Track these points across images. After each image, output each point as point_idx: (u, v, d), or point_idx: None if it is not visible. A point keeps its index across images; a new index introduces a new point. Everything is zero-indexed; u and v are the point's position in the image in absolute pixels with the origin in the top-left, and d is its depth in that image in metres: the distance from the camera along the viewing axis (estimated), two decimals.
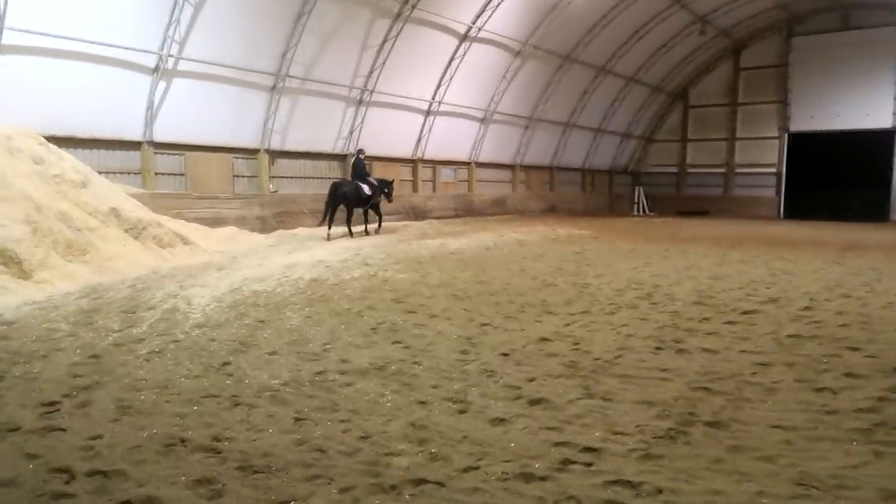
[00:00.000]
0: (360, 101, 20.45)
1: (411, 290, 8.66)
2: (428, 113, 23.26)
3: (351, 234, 16.70)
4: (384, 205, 18.73)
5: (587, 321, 6.88)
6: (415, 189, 23.66)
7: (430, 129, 23.50)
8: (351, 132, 20.63)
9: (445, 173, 25.35)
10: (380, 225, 17.94)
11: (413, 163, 23.65)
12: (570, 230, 19.55)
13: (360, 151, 17.85)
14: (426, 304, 7.78)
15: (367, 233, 17.45)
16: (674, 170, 36.06)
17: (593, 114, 31.23)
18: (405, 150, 23.24)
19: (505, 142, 27.66)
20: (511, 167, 28.75)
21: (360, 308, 7.51)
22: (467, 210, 25.81)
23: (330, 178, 20.62)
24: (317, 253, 12.79)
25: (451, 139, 24.71)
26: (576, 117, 30.37)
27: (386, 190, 17.94)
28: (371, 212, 17.79)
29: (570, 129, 30.59)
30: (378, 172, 21.68)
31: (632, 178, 37.05)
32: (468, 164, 26.30)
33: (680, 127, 35.78)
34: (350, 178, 17.39)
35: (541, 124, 28.74)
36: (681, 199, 35.22)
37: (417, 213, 23.05)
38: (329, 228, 16.20)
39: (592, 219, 27.43)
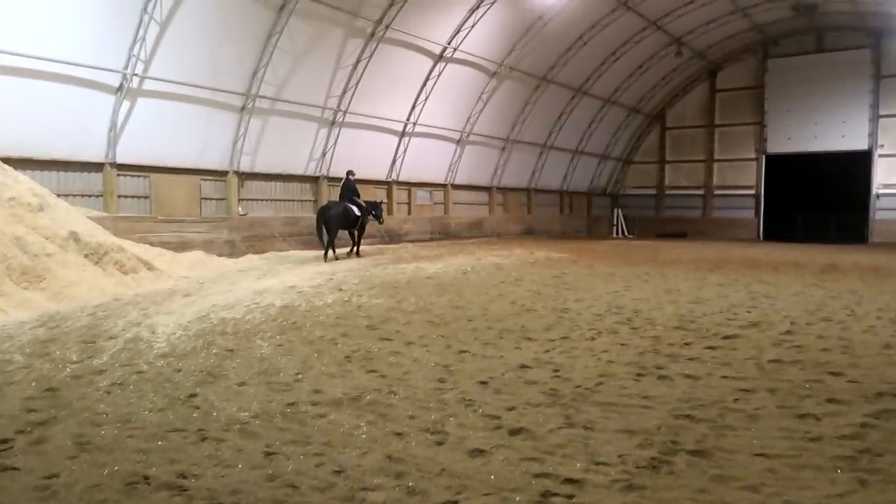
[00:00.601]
0: (333, 122, 20.51)
1: (386, 317, 8.62)
2: (403, 134, 23.40)
3: (334, 254, 16.99)
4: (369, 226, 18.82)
5: (567, 347, 6.91)
6: (390, 212, 23.68)
7: (405, 151, 23.62)
8: (324, 154, 20.65)
9: (421, 196, 25.45)
10: (358, 247, 18.14)
11: (388, 185, 23.71)
12: (548, 253, 19.68)
13: (349, 173, 18.19)
14: (402, 330, 7.75)
15: (349, 254, 17.70)
16: (652, 191, 36.67)
17: (571, 135, 31.70)
18: (380, 172, 23.30)
19: (482, 163, 27.90)
20: (488, 189, 28.97)
21: (334, 335, 7.45)
22: (444, 233, 25.89)
23: (302, 201, 20.61)
24: (288, 278, 12.70)
25: (427, 161, 24.86)
26: (553, 139, 30.79)
27: (374, 212, 18.28)
28: (355, 233, 18.03)
29: (547, 151, 30.98)
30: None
31: (610, 200, 37.55)
32: (444, 186, 26.44)
33: (658, 148, 36.47)
34: (339, 200, 17.74)
35: (518, 146, 29.07)
36: (660, 220, 35.75)
37: (392, 237, 23.06)
38: (327, 251, 16.51)
39: (571, 241, 27.67)
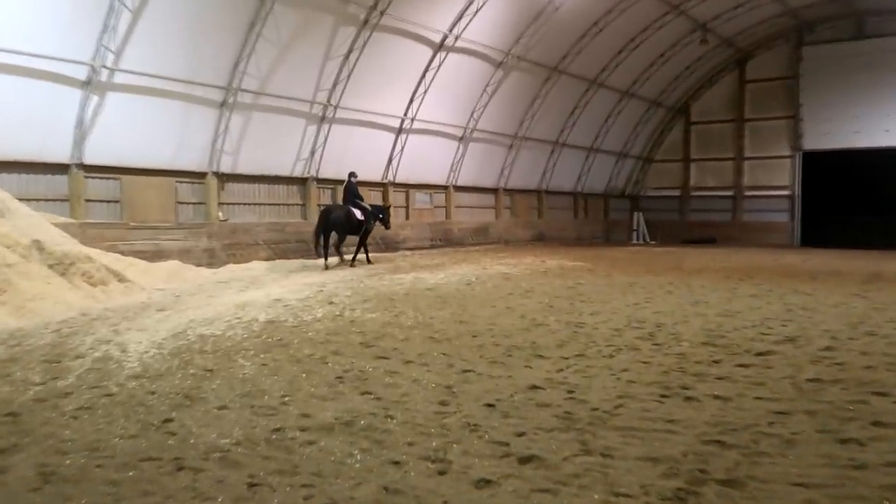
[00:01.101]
0: (323, 118, 20.59)
1: (382, 333, 8.64)
2: (400, 131, 23.48)
3: (342, 259, 17.80)
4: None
5: (583, 366, 6.91)
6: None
7: (402, 149, 23.69)
8: (312, 153, 20.72)
9: (420, 198, 25.51)
10: (367, 254, 18.85)
11: (383, 186, 23.77)
12: (561, 261, 19.69)
13: (351, 175, 18.66)
14: (399, 348, 7.76)
15: (352, 262, 18.24)
16: (676, 193, 36.72)
17: (585, 131, 31.78)
18: (374, 173, 23.37)
19: (487, 163, 27.97)
20: (494, 191, 29.03)
21: (324, 354, 7.46)
22: (445, 240, 25.93)
23: (288, 205, 20.66)
24: (273, 290, 12.73)
25: (426, 160, 24.93)
26: (566, 135, 30.88)
27: (381, 216, 18.95)
28: (358, 239, 18.55)
29: (559, 149, 31.05)
30: (341, 197, 21.76)
31: (630, 203, 37.59)
32: (445, 187, 26.50)
33: (682, 145, 36.54)
34: (342, 203, 18.26)
35: (527, 143, 29.14)
36: (684, 225, 35.79)
37: (388, 244, 23.10)
38: (326, 258, 17.16)
39: (586, 248, 27.69)
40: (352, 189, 18.51)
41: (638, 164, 37.10)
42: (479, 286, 13.67)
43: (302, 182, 20.90)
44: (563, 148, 31.20)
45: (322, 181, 21.34)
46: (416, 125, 23.81)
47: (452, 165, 26.35)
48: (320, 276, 15.30)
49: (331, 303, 11.15)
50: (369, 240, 19.21)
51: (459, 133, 26.01)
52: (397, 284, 13.80)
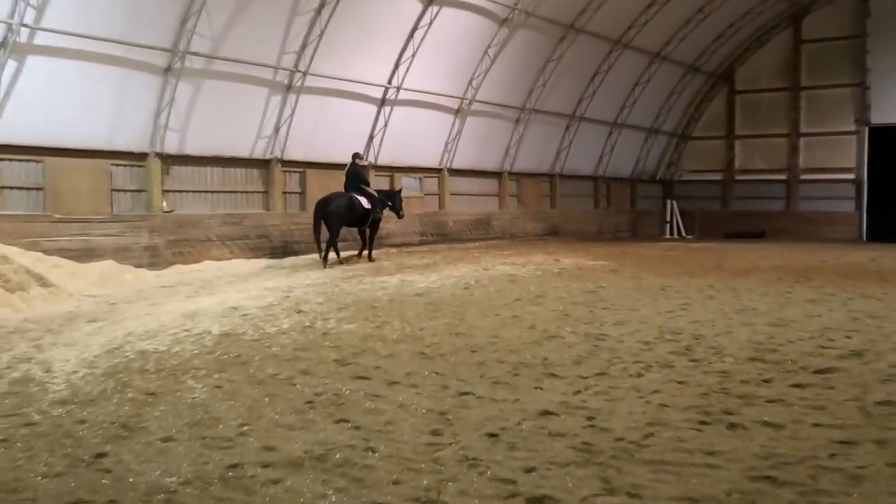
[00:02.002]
0: (290, 87, 20.56)
1: (362, 347, 8.63)
2: (383, 102, 23.47)
3: (339, 258, 18.33)
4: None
5: (605, 387, 6.92)
6: None
7: (385, 125, 23.68)
8: (277, 129, 20.70)
9: (407, 184, 25.48)
10: (370, 250, 19.58)
11: (363, 170, 23.72)
12: (579, 260, 19.71)
13: (356, 156, 19.30)
14: (383, 366, 7.76)
15: (359, 256, 19.27)
16: (717, 177, 36.82)
17: (608, 103, 31.83)
18: (347, 154, 23.31)
19: (489, 141, 27.99)
20: (497, 175, 29.06)
21: (291, 373, 7.45)
22: (438, 234, 25.93)
23: (248, 193, 20.64)
24: (230, 297, 12.71)
25: (416, 137, 24.93)
26: (584, 108, 30.94)
27: (391, 203, 19.63)
28: (368, 231, 19.25)
29: (576, 124, 31.10)
30: (314, 182, 21.78)
31: (662, 189, 37.68)
32: (438, 171, 26.51)
33: (724, 119, 36.65)
34: (344, 190, 18.75)
35: (537, 117, 29.17)
36: (728, 216, 35.90)
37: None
38: (325, 254, 17.76)
39: (609, 244, 27.73)
40: (357, 173, 18.99)
41: (671, 143, 37.17)
42: (480, 291, 13.67)
43: (264, 165, 20.87)
44: (581, 123, 31.24)
45: (289, 164, 21.31)
46: (402, 95, 23.79)
47: (447, 144, 26.35)
48: (287, 279, 15.29)
49: (299, 311, 11.14)
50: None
51: (455, 105, 26.01)
52: (380, 289, 13.79)
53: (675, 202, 35.69)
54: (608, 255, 21.74)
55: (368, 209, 18.64)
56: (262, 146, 20.73)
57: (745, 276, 16.21)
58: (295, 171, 21.77)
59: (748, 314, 10.93)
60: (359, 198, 18.50)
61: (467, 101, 26.13)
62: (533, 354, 8.23)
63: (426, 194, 26.29)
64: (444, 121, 25.97)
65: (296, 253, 20.37)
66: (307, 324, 10.14)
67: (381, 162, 24.10)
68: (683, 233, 34.75)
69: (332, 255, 18.04)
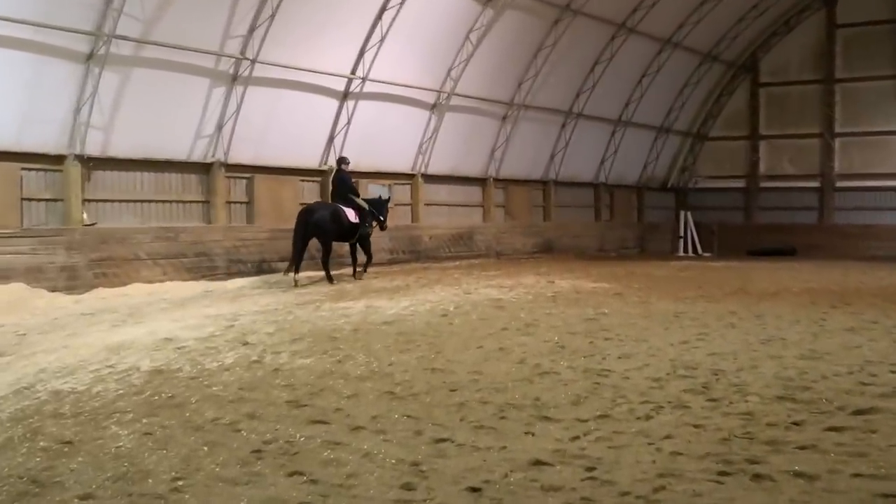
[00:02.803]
0: (235, 78, 20.55)
1: (320, 386, 8.60)
2: (346, 96, 23.50)
3: (330, 279, 19.03)
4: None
5: (608, 431, 6.91)
6: None
7: (348, 122, 23.70)
8: (220, 127, 20.67)
9: (375, 192, 25.49)
10: (367, 265, 20.39)
11: (321, 175, 23.77)
12: (577, 282, 19.75)
13: (342, 161, 19.79)
14: (344, 407, 7.73)
15: (354, 275, 19.92)
16: (739, 184, 37.12)
17: (611, 97, 32.07)
18: (308, 156, 23.41)
19: (471, 142, 28.10)
20: (481, 182, 29.15)
21: (236, 417, 7.40)
22: (411, 251, 25.92)
23: (185, 203, 20.56)
24: (163, 326, 12.64)
25: (384, 137, 24.98)
26: (583, 103, 31.15)
27: (381, 216, 20.35)
28: (360, 246, 19.95)
29: (573, 121, 31.29)
30: (264, 190, 21.73)
31: (674, 198, 37.95)
32: (411, 176, 26.57)
33: (747, 116, 36.98)
34: (331, 200, 19.41)
35: (528, 114, 29.32)
36: (751, 230, 36.16)
37: (331, 257, 23.00)
38: (295, 272, 18.46)
39: (613, 263, 27.80)
40: (344, 181, 19.50)
41: (685, 143, 37.47)
42: (460, 319, 13.66)
43: (205, 169, 20.81)
44: (580, 120, 31.43)
45: (234, 168, 21.26)
46: (368, 88, 23.86)
47: (421, 146, 26.42)
48: (231, 306, 15.21)
49: (245, 344, 11.08)
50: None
51: (431, 99, 26.10)
52: (341, 316, 13.75)
53: (689, 213, 35.81)
54: (611, 276, 21.81)
55: (355, 223, 19.11)
56: (203, 147, 20.68)
57: (772, 301, 16.30)
58: (241, 177, 21.72)
59: (776, 345, 10.98)
60: (345, 209, 18.94)
61: (445, 95, 26.22)
62: (522, 393, 8.22)
63: (396, 204, 26.27)
64: (417, 118, 26.04)
65: (242, 274, 20.33)
66: (255, 358, 10.09)
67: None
68: (700, 249, 34.90)
69: (296, 273, 18.58)
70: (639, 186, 36.25)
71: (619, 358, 10.08)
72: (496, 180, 29.47)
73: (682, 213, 36.05)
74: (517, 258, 28.96)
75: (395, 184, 26.12)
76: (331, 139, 23.58)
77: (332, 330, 12.30)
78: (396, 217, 26.13)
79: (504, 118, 28.70)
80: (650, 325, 12.81)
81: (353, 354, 10.32)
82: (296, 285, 18.03)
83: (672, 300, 16.29)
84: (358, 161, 24.41)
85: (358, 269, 20.20)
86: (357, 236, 19.68)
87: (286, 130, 22.10)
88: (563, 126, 31.07)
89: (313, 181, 23.52)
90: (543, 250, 30.84)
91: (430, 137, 26.46)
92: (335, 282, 19.02)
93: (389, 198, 22.06)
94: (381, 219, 20.63)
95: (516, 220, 30.50)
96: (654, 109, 34.34)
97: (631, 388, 8.44)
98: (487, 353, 10.41)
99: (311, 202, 20.24)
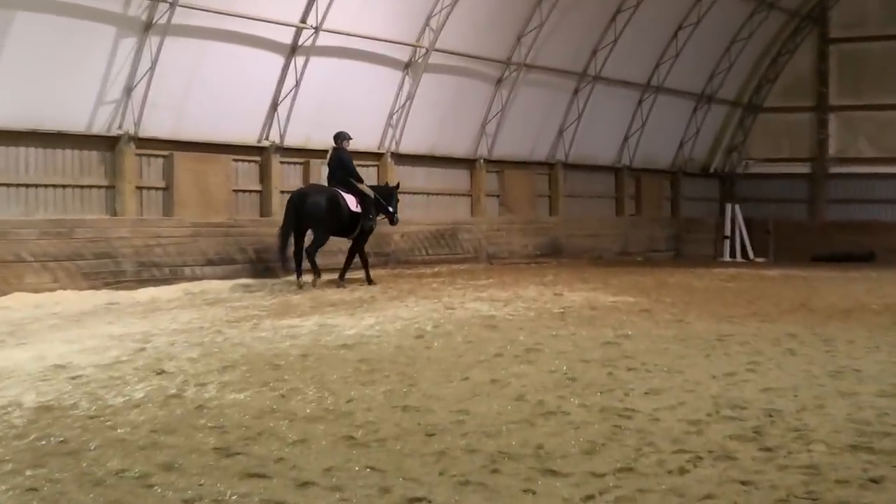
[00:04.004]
0: (150, 26, 20.47)
1: (258, 429, 8.56)
2: (294, 51, 23.46)
3: (317, 274, 19.79)
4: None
5: (630, 489, 6.91)
6: (265, 209, 23.60)
7: (297, 85, 23.64)
8: (129, 89, 20.59)
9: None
10: (366, 270, 20.99)
11: (261, 153, 23.75)
12: (592, 295, 19.78)
13: (342, 137, 20.42)
14: (289, 457, 7.70)
15: (341, 280, 20.48)
16: (803, 169, 37.17)
17: (637, 55, 32.11)
18: (244, 129, 23.38)
19: (456, 112, 28.10)
20: (469, 164, 29.15)
21: (147, 469, 7.36)
22: (377, 253, 25.79)
23: (82, 188, 20.45)
24: (53, 348, 12.56)
25: (343, 105, 24.95)
26: (600, 63, 31.14)
27: (388, 205, 21.04)
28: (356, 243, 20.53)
29: (589, 87, 31.30)
30: (185, 172, 21.61)
31: (718, 187, 38.00)
32: (378, 156, 26.60)
33: (813, 81, 37.04)
34: (327, 185, 19.98)
35: (530, 76, 29.33)
36: (817, 228, 36.23)
37: (271, 259, 22.95)
38: (299, 273, 19.28)
39: (639, 271, 27.80)
40: (343, 162, 20.05)
41: (733, 116, 37.57)
42: (440, 341, 13.64)
43: (108, 144, 20.72)
44: (597, 85, 31.46)
45: (148, 143, 21.17)
46: (323, 41, 23.85)
47: (391, 116, 26.41)
48: (143, 323, 15.13)
49: (161, 372, 11.03)
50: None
51: (405, 56, 26.11)
52: (287, 338, 13.72)
53: (738, 207, 35.94)
54: (637, 288, 21.83)
55: (357, 212, 19.61)
56: (106, 116, 20.60)
57: (843, 321, 16.33)
58: (157, 156, 21.65)
59: (848, 379, 11.00)
60: (345, 195, 19.43)
61: (423, 52, 26.22)
62: (521, 440, 8.20)
63: None
64: (387, 81, 26.03)
65: (157, 282, 20.27)
66: (173, 392, 10.03)
67: (290, 142, 24.07)
68: (751, 253, 35.03)
69: (300, 276, 19.42)
70: (673, 171, 36.30)
71: (646, 394, 10.08)
72: (488, 162, 29.45)
73: (728, 207, 36.19)
74: (515, 263, 28.95)
75: (358, 164, 26.04)
76: (274, 107, 23.52)
77: (273, 355, 12.25)
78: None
79: (499, 82, 28.69)
80: (686, 352, 12.82)
81: (302, 387, 10.29)
82: (300, 287, 19.10)
83: (715, 319, 16.31)
84: (309, 136, 24.43)
85: (344, 274, 20.75)
86: (360, 229, 20.14)
87: (216, 95, 22.01)
88: (576, 92, 31.08)
89: (251, 161, 23.45)
90: (549, 253, 30.85)
91: (403, 106, 26.43)
92: (318, 283, 19.71)
93: (398, 184, 22.55)
94: (391, 210, 21.14)
95: (514, 213, 30.50)
96: (693, 71, 34.39)
97: (661, 434, 8.42)
98: (476, 387, 10.39)
99: (304, 185, 20.88)
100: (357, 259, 20.95)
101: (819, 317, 16.92)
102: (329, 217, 19.25)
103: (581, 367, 11.63)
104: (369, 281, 20.67)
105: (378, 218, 20.98)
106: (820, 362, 12.07)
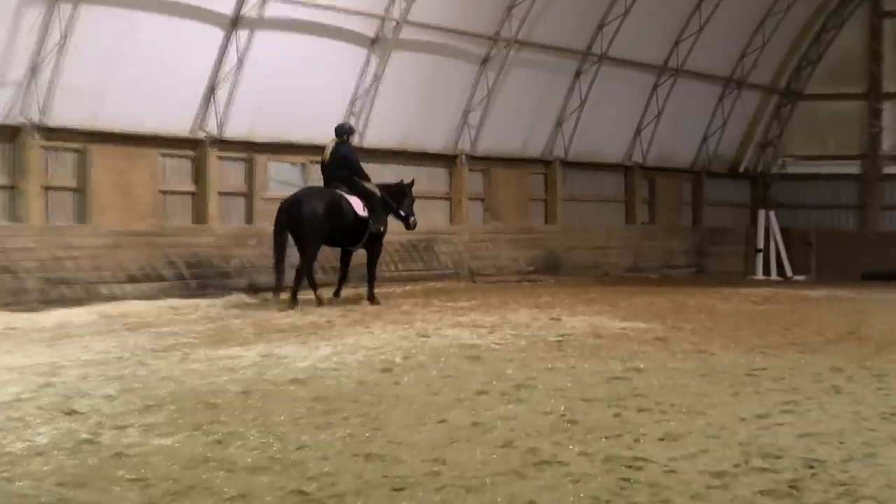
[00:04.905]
0: None
1: (189, 481, 8.53)
2: (235, 24, 23.53)
3: (294, 297, 20.32)
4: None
5: None
6: (199, 215, 23.57)
7: (239, 65, 23.66)
8: (33, 69, 20.55)
9: (279, 175, 25.49)
10: (372, 287, 21.64)
11: (195, 147, 23.74)
12: (596, 319, 19.83)
13: (345, 130, 21.03)
14: None
15: (336, 295, 21.29)
16: (852, 168, 37.33)
17: (652, 31, 32.28)
18: (174, 118, 23.49)
19: (432, 98, 28.16)
20: (448, 161, 29.20)
21: None
22: (334, 267, 25.82)
23: None
24: None
25: (296, 89, 25.02)
26: (607, 40, 31.26)
27: (399, 209, 21.66)
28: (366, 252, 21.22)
29: (594, 68, 31.40)
30: (104, 170, 21.58)
31: (750, 190, 38.11)
32: None
33: (864, 63, 37.20)
34: (325, 185, 20.55)
35: (523, 55, 29.44)
36: (869, 240, 36.34)
37: (208, 276, 22.99)
38: (296, 290, 20.01)
39: (654, 291, 27.86)
40: (345, 157, 20.51)
41: (767, 104, 37.75)
42: (412, 375, 13.67)
43: (9, 136, 20.72)
44: (604, 66, 31.59)
45: (57, 134, 21.18)
46: (272, 12, 23.98)
47: (353, 103, 26.49)
48: (49, 352, 15.10)
49: (71, 412, 11.01)
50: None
51: (370, 30, 26.20)
52: (224, 371, 13.73)
53: (773, 214, 36.02)
54: (650, 312, 21.90)
55: (363, 217, 20.04)
56: (6, 101, 20.62)
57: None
58: (68, 149, 21.66)
59: None
60: (348, 198, 19.83)
61: (392, 24, 26.32)
62: (509, 496, 8.18)
63: None
64: (348, 60, 26.13)
65: (68, 302, 20.25)
66: (85, 436, 9.98)
67: (230, 134, 24.10)
68: (789, 270, 35.13)
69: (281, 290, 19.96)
70: (695, 171, 36.44)
71: (661, 440, 10.08)
72: (471, 159, 29.54)
73: (761, 214, 36.25)
74: (503, 281, 29.00)
75: (313, 161, 26.10)
76: (211, 91, 23.54)
77: (208, 392, 12.23)
78: None
79: (484, 62, 28.76)
80: (710, 389, 12.84)
81: (243, 431, 10.28)
82: (293, 306, 19.61)
83: (744, 350, 16.35)
84: (253, 126, 24.46)
85: (340, 289, 21.62)
86: (365, 238, 20.64)
87: (139, 77, 22.01)
88: (578, 75, 31.20)
89: (183, 157, 23.45)
90: (545, 269, 30.91)
91: (369, 90, 26.52)
92: (320, 299, 20.42)
93: (413, 181, 22.75)
94: (403, 214, 21.69)
95: (502, 221, 30.58)
96: (719, 51, 34.55)
97: (678, 488, 8.42)
98: (454, 432, 10.39)
99: (298, 189, 21.15)
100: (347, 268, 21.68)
101: (870, 347, 16.98)
102: (326, 222, 19.74)
103: (582, 407, 11.64)
104: (371, 299, 21.36)
105: (385, 225, 21.50)
106: (871, 402, 12.09)
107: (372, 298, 21.29)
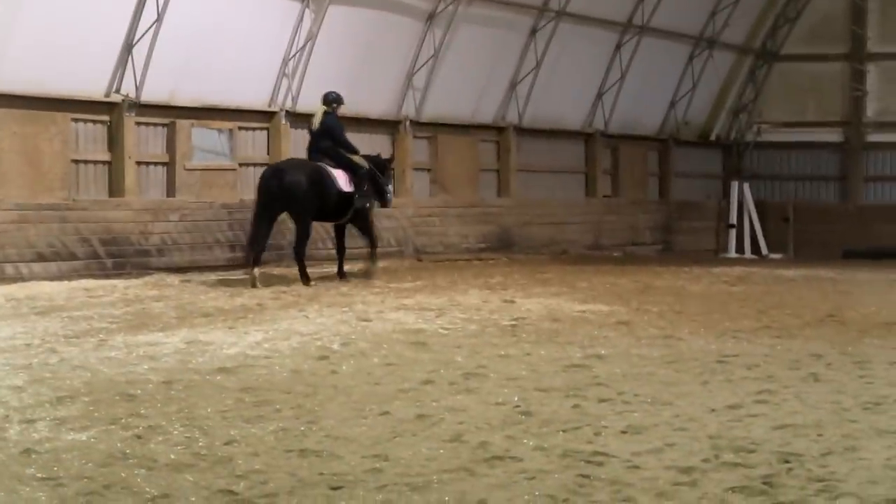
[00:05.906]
0: None
1: (106, 480, 8.51)
2: None
3: (306, 278, 20.68)
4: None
5: None
6: (115, 186, 23.48)
7: (158, 19, 23.55)
8: None
9: (203, 142, 25.43)
10: (374, 254, 22.38)
11: (110, 112, 23.66)
12: (554, 302, 19.90)
13: (332, 100, 21.29)
14: None
15: (341, 276, 21.57)
16: (833, 135, 37.51)
17: None
18: (89, 81, 23.37)
19: (372, 57, 28.12)
20: (391, 126, 29.17)
21: None
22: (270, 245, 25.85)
23: None
24: None
25: (221, 46, 24.92)
26: None
27: (381, 180, 21.91)
28: (354, 228, 21.61)
29: (552, 24, 31.42)
30: (8, 133, 21.51)
31: (721, 160, 38.27)
32: (270, 115, 26.60)
33: (846, 21, 37.40)
34: (307, 157, 20.92)
35: (473, 11, 29.42)
36: (851, 215, 36.55)
37: (125, 254, 22.89)
38: (254, 265, 20.21)
39: (618, 270, 27.91)
40: (331, 128, 20.88)
41: (741, 66, 37.89)
42: (350, 364, 13.69)
43: None
44: (562, 22, 31.63)
45: None
46: None
47: (286, 62, 26.43)
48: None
49: None
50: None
51: None
52: (145, 358, 13.70)
53: (747, 186, 36.17)
54: (612, 293, 21.99)
55: (348, 192, 20.30)
56: None
57: (883, 337, 16.50)
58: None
59: (888, 412, 11.12)
60: (332, 171, 20.15)
61: None
62: (458, 494, 8.20)
63: (243, 164, 26.25)
64: (280, 14, 26.07)
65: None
66: None
67: (148, 97, 23.98)
68: (764, 248, 35.32)
69: (255, 267, 20.33)
70: (662, 139, 36.56)
71: (624, 433, 10.13)
72: (416, 125, 29.54)
73: (734, 186, 36.39)
74: (451, 260, 29.01)
75: (241, 128, 26.06)
76: (128, 49, 23.43)
77: (127, 382, 12.20)
78: (242, 185, 26.08)
79: (430, 17, 28.75)
80: (677, 378, 12.92)
81: (164, 425, 10.25)
82: (254, 286, 19.54)
83: (715, 335, 16.45)
84: (174, 88, 24.38)
85: (342, 266, 21.80)
86: (351, 213, 20.84)
87: (49, 32, 21.89)
88: (534, 32, 31.23)
89: (97, 121, 23.34)
90: (497, 247, 30.95)
91: (303, 49, 26.45)
92: (313, 283, 20.42)
93: (393, 156, 23.31)
94: (383, 188, 21.95)
95: (450, 193, 30.59)
96: (688, 6, 34.67)
97: (642, 485, 8.45)
98: (397, 425, 10.43)
99: (280, 161, 21.54)
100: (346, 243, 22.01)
101: (852, 332, 17.10)
102: (310, 196, 20.00)
103: (538, 397, 11.68)
104: (373, 264, 22.22)
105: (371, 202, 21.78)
106: (852, 391, 12.18)
107: (373, 266, 22.21)
